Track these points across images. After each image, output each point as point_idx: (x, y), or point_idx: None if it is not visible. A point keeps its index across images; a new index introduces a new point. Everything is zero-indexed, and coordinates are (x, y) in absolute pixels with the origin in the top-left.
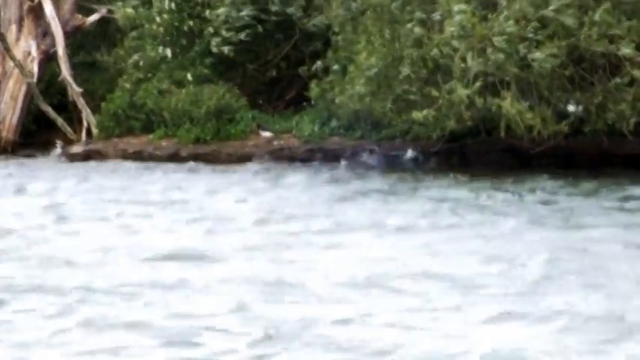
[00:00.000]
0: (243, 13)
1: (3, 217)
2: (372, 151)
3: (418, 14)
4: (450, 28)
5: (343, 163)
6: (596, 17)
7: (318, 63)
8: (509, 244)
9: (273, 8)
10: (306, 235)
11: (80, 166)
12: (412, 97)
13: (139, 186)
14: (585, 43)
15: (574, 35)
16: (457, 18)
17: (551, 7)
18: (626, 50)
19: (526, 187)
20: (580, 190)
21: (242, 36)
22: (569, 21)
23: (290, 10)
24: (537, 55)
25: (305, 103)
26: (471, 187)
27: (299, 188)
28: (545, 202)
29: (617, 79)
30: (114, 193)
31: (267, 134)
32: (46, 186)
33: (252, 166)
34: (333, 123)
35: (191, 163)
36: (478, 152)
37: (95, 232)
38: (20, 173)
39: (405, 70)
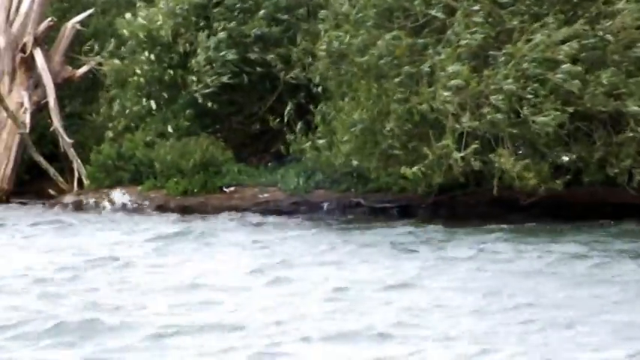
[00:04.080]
0: (223, 53)
1: None
2: (358, 204)
3: (407, 68)
4: (448, 82)
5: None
6: (604, 79)
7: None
8: None
9: (253, 56)
10: None
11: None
12: (398, 152)
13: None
14: (590, 102)
15: (578, 97)
16: (452, 82)
17: (558, 76)
18: (634, 107)
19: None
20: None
21: (225, 79)
22: (575, 87)
23: (270, 57)
24: (540, 118)
25: (290, 156)
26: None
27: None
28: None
29: (621, 135)
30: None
31: (231, 189)
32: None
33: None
34: (318, 176)
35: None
36: (467, 204)
37: None
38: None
39: (391, 125)
